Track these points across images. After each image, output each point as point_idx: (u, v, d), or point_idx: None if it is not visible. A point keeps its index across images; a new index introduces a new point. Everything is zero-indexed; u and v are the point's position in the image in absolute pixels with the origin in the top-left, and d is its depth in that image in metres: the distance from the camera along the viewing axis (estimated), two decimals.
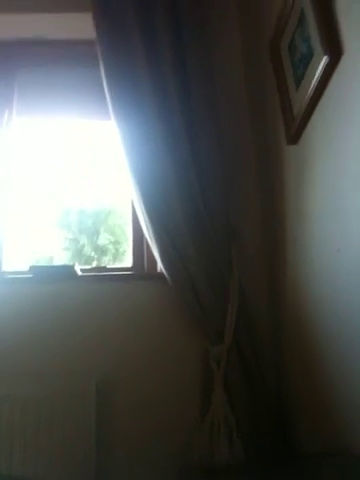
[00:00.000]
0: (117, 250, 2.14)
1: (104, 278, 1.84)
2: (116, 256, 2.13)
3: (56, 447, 1.53)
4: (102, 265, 2.14)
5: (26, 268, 1.82)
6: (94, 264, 2.18)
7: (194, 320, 1.68)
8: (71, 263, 1.99)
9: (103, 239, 2.22)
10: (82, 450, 1.54)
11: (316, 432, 1.40)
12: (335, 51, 1.20)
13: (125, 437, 1.63)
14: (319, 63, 1.24)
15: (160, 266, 1.74)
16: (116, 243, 2.15)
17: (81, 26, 2.03)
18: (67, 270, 1.82)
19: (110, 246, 2.12)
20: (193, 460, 1.51)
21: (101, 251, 2.22)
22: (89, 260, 2.26)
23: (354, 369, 1.16)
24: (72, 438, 1.55)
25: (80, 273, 1.82)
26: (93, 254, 2.23)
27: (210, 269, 1.65)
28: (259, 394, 1.58)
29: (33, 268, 1.81)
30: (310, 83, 1.31)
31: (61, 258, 2.25)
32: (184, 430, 1.63)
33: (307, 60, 1.35)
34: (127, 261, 2.04)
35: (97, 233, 2.21)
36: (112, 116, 1.79)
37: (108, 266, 2.06)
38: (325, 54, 1.21)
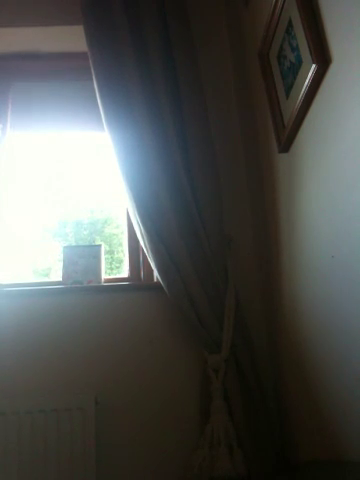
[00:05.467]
0: (113, 259, 2.14)
1: (101, 289, 1.84)
2: (111, 264, 2.13)
3: (55, 462, 1.52)
4: None
5: (23, 281, 1.83)
6: None
7: (191, 330, 1.67)
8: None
9: None
10: (82, 464, 1.52)
11: (314, 440, 1.39)
12: (323, 60, 1.20)
13: (125, 450, 1.62)
14: (308, 72, 1.25)
15: (156, 276, 1.74)
16: (111, 252, 2.15)
17: (74, 39, 2.05)
18: None
19: (106, 256, 2.12)
20: (193, 472, 1.50)
21: None
22: None
23: (350, 376, 1.16)
24: (71, 452, 1.54)
25: None
26: None
27: (206, 279, 1.65)
28: (257, 403, 1.58)
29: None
30: (300, 92, 1.31)
31: (58, 269, 2.24)
32: (184, 441, 1.62)
33: (296, 69, 1.36)
34: (124, 271, 2.05)
35: (93, 243, 2.21)
36: (105, 128, 1.80)
37: (105, 276, 2.06)
38: (314, 63, 1.22)
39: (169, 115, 1.74)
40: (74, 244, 2.15)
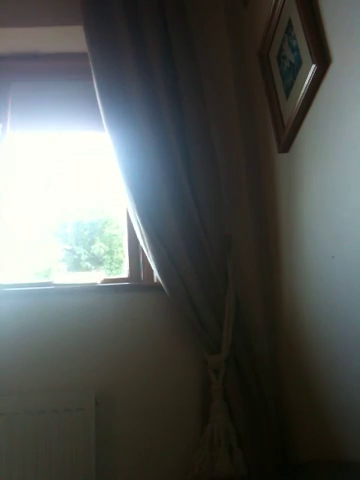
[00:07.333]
0: (112, 259, 2.15)
1: (101, 289, 1.84)
2: (111, 265, 2.13)
3: (55, 462, 1.52)
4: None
5: (23, 281, 1.82)
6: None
7: (192, 330, 1.67)
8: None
9: (99, 249, 2.22)
10: (82, 465, 1.53)
11: (314, 440, 1.39)
12: (323, 60, 1.21)
13: (125, 451, 1.62)
14: (308, 72, 1.25)
15: (156, 276, 1.74)
16: (111, 253, 2.15)
17: (73, 39, 2.05)
18: None
19: (106, 256, 2.13)
20: (193, 472, 1.50)
21: (98, 262, 2.22)
22: (86, 271, 2.25)
23: (351, 376, 1.16)
24: (71, 452, 1.54)
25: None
26: (89, 265, 2.23)
27: (206, 279, 1.65)
28: (257, 403, 1.57)
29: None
30: (299, 92, 1.32)
31: (59, 269, 2.25)
32: (184, 442, 1.62)
33: (296, 69, 1.36)
34: (124, 271, 2.05)
35: (93, 244, 2.21)
36: (105, 127, 1.80)
37: (105, 277, 2.06)
38: (313, 63, 1.22)
39: (169, 114, 1.74)
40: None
